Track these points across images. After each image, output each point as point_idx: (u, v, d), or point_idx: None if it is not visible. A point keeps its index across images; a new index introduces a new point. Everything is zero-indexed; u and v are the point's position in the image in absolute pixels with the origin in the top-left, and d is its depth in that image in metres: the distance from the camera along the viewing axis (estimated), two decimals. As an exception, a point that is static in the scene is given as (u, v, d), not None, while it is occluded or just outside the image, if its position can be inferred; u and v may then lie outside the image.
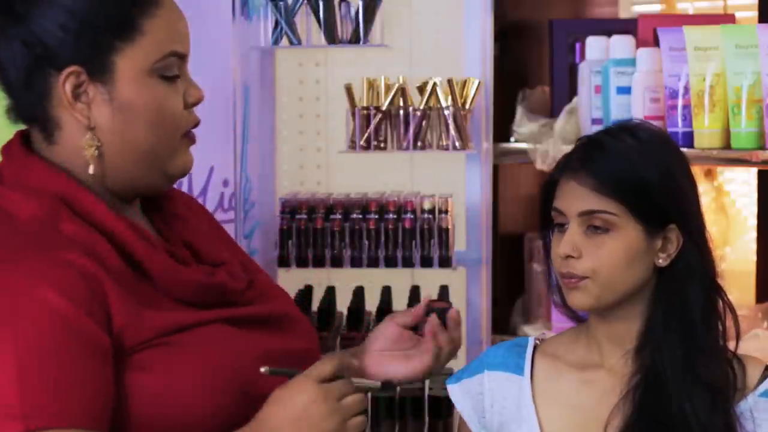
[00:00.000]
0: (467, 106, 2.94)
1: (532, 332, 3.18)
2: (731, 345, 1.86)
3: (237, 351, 1.68)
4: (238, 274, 1.77)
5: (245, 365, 1.68)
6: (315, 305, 3.02)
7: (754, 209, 3.72)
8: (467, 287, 3.07)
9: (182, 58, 1.71)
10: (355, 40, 2.94)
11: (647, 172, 1.80)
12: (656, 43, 2.87)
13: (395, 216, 2.93)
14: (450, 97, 2.93)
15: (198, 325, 1.66)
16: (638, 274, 1.81)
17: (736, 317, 1.86)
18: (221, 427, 1.64)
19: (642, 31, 3.08)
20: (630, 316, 1.83)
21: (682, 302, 1.82)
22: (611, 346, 1.86)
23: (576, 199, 1.80)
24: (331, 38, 2.94)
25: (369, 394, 2.91)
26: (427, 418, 2.89)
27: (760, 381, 1.84)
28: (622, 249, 1.79)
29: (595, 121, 2.99)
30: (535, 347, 1.93)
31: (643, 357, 1.82)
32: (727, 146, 2.69)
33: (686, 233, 1.83)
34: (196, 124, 1.76)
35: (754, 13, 3.59)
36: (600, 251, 1.79)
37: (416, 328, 2.02)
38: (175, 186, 1.85)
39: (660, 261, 1.82)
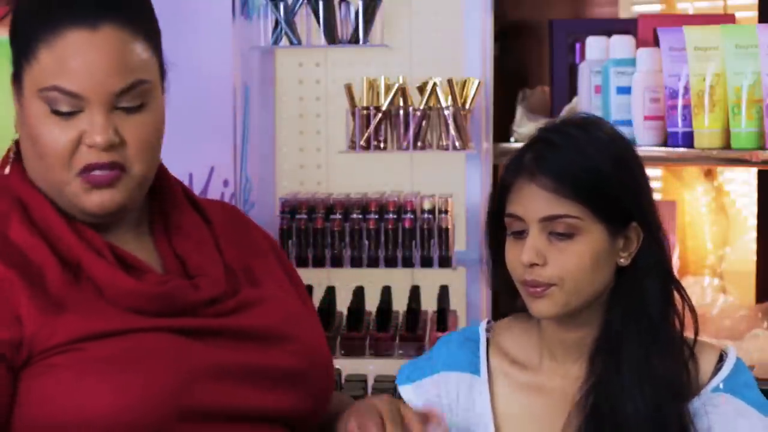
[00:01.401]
0: (467, 106, 2.94)
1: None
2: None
3: (176, 360, 1.63)
4: (215, 286, 1.71)
5: (184, 375, 1.62)
6: (315, 305, 3.02)
7: (754, 209, 3.72)
8: (467, 287, 3.07)
9: (72, 95, 1.62)
10: (355, 40, 2.94)
11: (605, 168, 1.74)
12: (656, 43, 2.87)
13: (395, 216, 2.93)
14: (450, 97, 2.93)
15: (133, 332, 1.62)
16: (603, 276, 1.76)
17: (693, 310, 1.81)
18: None
19: (642, 31, 3.08)
20: (587, 323, 1.79)
21: (640, 299, 1.77)
22: (565, 352, 1.81)
23: (536, 203, 1.74)
24: (331, 38, 2.95)
25: (369, 393, 2.92)
26: (427, 418, 2.89)
27: (713, 375, 1.79)
28: (587, 253, 1.73)
29: (595, 121, 2.99)
30: (488, 341, 1.88)
31: (598, 361, 1.77)
32: (727, 146, 2.69)
33: (646, 229, 1.77)
34: (93, 166, 1.64)
35: (754, 13, 3.59)
36: (565, 257, 1.73)
37: None
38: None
39: (622, 260, 1.77)
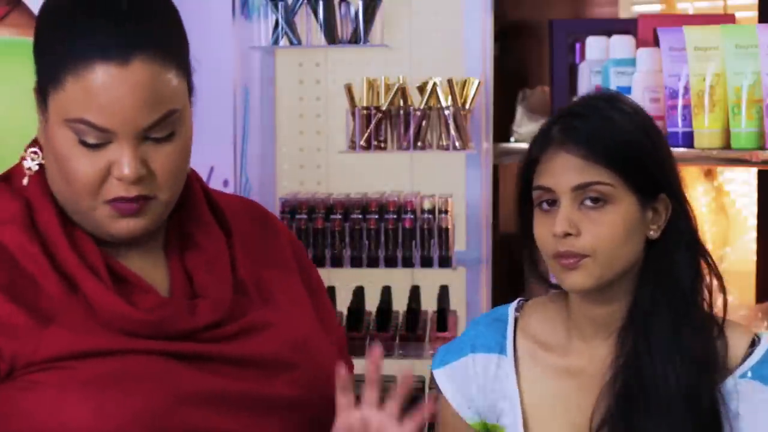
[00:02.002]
0: (467, 106, 2.94)
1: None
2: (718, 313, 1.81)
3: (162, 384, 1.60)
4: (216, 310, 1.67)
5: (169, 399, 1.59)
6: (315, 305, 3.02)
7: (754, 209, 3.73)
8: (467, 287, 3.07)
9: (101, 130, 1.58)
10: (355, 40, 2.94)
11: (634, 136, 1.75)
12: (656, 43, 2.87)
13: (395, 216, 2.93)
14: (450, 97, 2.93)
15: (122, 353, 1.60)
16: (634, 248, 1.76)
17: (722, 282, 1.81)
18: None
19: (642, 31, 3.08)
20: (616, 298, 1.78)
21: (671, 273, 1.77)
22: (594, 330, 1.80)
23: (567, 172, 1.73)
24: (331, 38, 2.95)
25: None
26: (427, 418, 2.89)
27: (743, 360, 1.78)
28: (620, 222, 1.73)
29: (595, 121, 2.99)
30: (515, 321, 1.88)
31: (627, 339, 1.77)
32: (727, 146, 2.69)
33: (674, 201, 1.78)
34: (121, 199, 1.61)
35: (754, 13, 3.60)
36: (599, 227, 1.73)
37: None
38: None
39: (651, 233, 1.77)
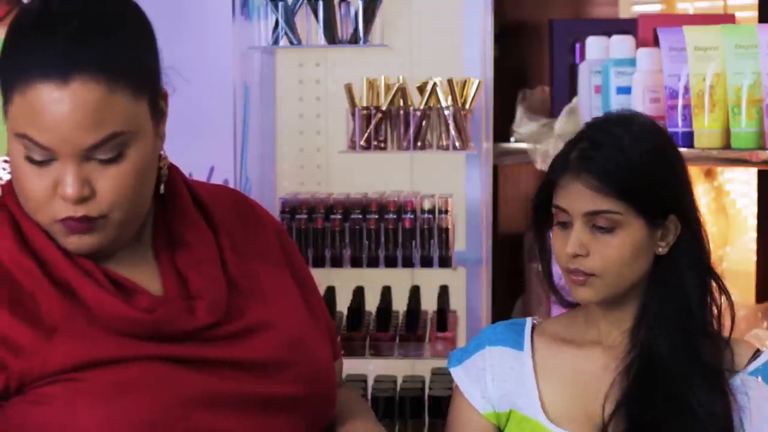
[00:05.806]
0: (467, 106, 2.94)
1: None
2: (725, 331, 1.91)
3: (168, 390, 1.60)
4: (213, 311, 1.67)
5: (175, 405, 1.60)
6: (315, 305, 3.01)
7: (754, 209, 3.73)
8: (467, 287, 3.07)
9: (43, 148, 1.58)
10: (355, 40, 2.94)
11: (646, 167, 1.84)
12: (656, 43, 2.87)
13: (395, 216, 2.93)
14: (450, 97, 2.93)
15: (125, 360, 1.60)
16: (642, 265, 1.86)
17: (731, 301, 1.91)
18: None
19: (642, 31, 3.08)
20: (628, 300, 1.88)
21: (678, 287, 1.87)
22: (609, 327, 1.90)
23: (580, 199, 1.84)
24: (331, 38, 2.95)
25: (369, 393, 2.92)
26: (426, 418, 2.89)
27: (750, 361, 1.89)
28: (628, 246, 1.83)
29: (595, 121, 2.99)
30: (533, 327, 1.97)
31: (640, 336, 1.87)
32: (727, 146, 2.69)
33: (684, 221, 1.88)
34: (69, 218, 1.61)
35: (754, 13, 3.60)
36: (607, 250, 1.83)
37: None
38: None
39: (660, 249, 1.87)
